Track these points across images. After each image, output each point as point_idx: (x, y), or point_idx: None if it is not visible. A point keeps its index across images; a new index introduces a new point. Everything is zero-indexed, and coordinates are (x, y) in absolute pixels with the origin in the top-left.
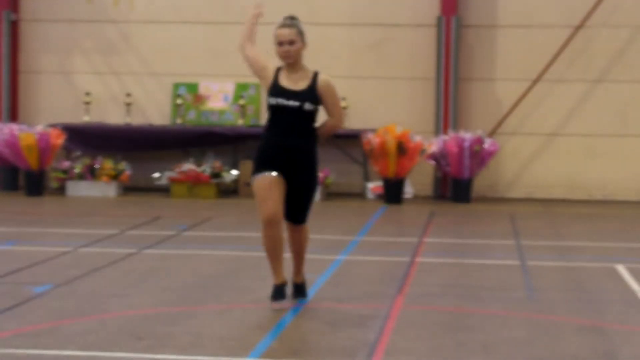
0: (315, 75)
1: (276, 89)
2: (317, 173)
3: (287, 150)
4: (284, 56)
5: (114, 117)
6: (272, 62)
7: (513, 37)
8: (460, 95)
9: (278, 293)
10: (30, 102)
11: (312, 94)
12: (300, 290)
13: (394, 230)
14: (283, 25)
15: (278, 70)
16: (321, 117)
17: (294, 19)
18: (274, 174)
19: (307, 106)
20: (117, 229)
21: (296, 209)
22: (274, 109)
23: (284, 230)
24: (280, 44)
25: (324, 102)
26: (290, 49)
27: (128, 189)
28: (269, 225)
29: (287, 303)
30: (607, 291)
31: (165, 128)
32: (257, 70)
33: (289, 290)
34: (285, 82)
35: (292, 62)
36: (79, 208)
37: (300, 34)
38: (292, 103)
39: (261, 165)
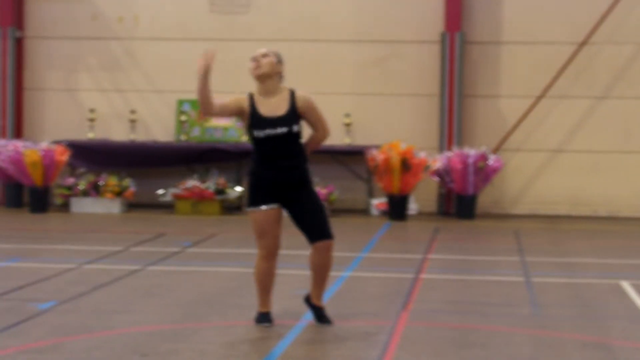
0: (293, 95)
1: (259, 120)
2: (312, 189)
3: (283, 174)
4: (253, 68)
5: (119, 133)
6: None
7: (517, 54)
8: (464, 111)
9: (265, 318)
10: (35, 119)
11: (294, 115)
12: (323, 314)
13: (398, 246)
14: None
15: (251, 98)
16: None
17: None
18: (273, 206)
19: (295, 129)
20: (122, 246)
21: (317, 225)
22: (261, 140)
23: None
24: (252, 59)
25: (307, 119)
26: (261, 60)
27: (132, 206)
28: (266, 259)
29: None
30: (612, 307)
31: (169, 145)
32: (234, 113)
33: (311, 312)
34: (265, 109)
35: (261, 73)
36: (84, 225)
37: (276, 55)
38: (280, 130)
39: (259, 197)
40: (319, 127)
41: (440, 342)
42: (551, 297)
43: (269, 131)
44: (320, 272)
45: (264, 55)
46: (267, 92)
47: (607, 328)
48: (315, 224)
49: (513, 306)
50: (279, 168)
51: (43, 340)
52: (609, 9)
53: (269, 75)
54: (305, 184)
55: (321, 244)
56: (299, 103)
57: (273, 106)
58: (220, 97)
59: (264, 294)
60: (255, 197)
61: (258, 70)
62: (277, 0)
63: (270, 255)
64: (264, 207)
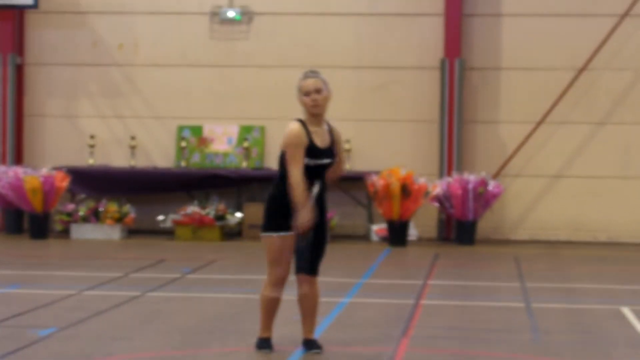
0: (330, 126)
1: (314, 150)
2: (327, 220)
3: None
4: (312, 105)
5: (119, 160)
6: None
7: (517, 80)
8: (464, 137)
9: (265, 344)
10: (35, 145)
11: (333, 147)
12: (314, 344)
13: (398, 272)
14: (306, 77)
15: (304, 126)
16: None
17: (316, 72)
18: (290, 233)
19: (333, 160)
20: (122, 272)
21: (317, 259)
22: (309, 168)
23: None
24: (307, 94)
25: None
26: (318, 98)
27: (132, 232)
28: (277, 286)
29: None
30: (612, 333)
31: (169, 171)
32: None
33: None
34: (317, 140)
35: (321, 112)
36: (84, 251)
37: (326, 83)
38: (325, 161)
39: (278, 223)
40: (342, 159)
41: None
42: (552, 323)
43: (317, 161)
44: (313, 304)
45: (318, 91)
46: (316, 122)
47: (607, 354)
48: (316, 258)
49: (513, 332)
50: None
51: None
52: (607, 35)
53: (322, 112)
54: (324, 208)
55: (310, 278)
56: (336, 136)
57: (321, 137)
58: (295, 160)
59: (267, 320)
60: (275, 222)
61: (318, 110)
62: (276, 26)
63: (280, 283)
64: (282, 234)
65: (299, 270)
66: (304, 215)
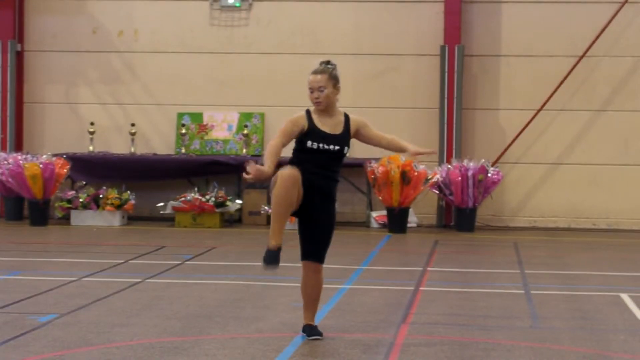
0: (347, 119)
1: (317, 135)
2: (334, 208)
3: (320, 180)
4: (314, 102)
5: (119, 146)
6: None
7: (517, 67)
8: (464, 124)
9: (274, 258)
10: (35, 132)
11: (348, 137)
12: (315, 330)
13: (398, 259)
14: (314, 72)
15: (309, 113)
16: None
17: (328, 64)
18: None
19: (346, 150)
20: (122, 259)
21: (317, 247)
22: (312, 150)
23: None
24: (310, 90)
25: (366, 135)
26: (320, 96)
27: (132, 219)
28: (290, 180)
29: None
30: (612, 320)
31: (169, 157)
32: (295, 136)
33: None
34: (324, 127)
35: (322, 108)
36: (84, 237)
37: (332, 79)
38: (333, 147)
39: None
40: (383, 135)
41: (440, 354)
42: (551, 309)
43: (322, 145)
44: (315, 292)
45: (321, 89)
46: (327, 113)
47: (607, 341)
48: (316, 245)
49: (513, 319)
50: (320, 175)
51: (43, 353)
52: (607, 23)
53: (328, 107)
54: (332, 198)
55: (312, 264)
56: (352, 125)
57: (331, 125)
58: (282, 131)
59: (281, 225)
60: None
61: (320, 107)
62: (276, 13)
63: (292, 178)
64: (291, 169)
65: (305, 256)
66: (257, 168)
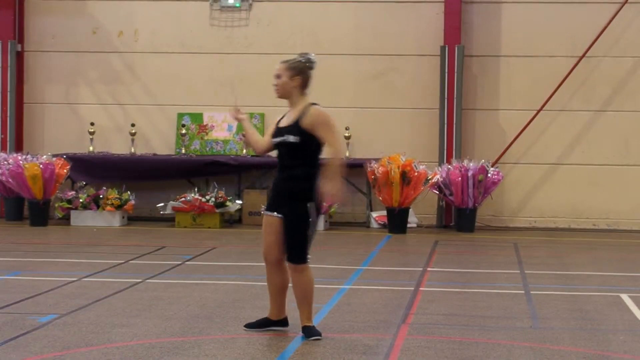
0: (306, 108)
1: (275, 131)
2: (303, 207)
3: (276, 184)
4: (274, 89)
5: (119, 147)
6: None
7: (517, 67)
8: (464, 124)
9: (255, 324)
10: (35, 133)
11: (296, 127)
12: (312, 331)
13: (398, 259)
14: (281, 61)
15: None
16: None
17: (299, 56)
18: (271, 213)
19: (289, 139)
20: (122, 259)
21: (287, 247)
22: (275, 148)
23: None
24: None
25: (316, 134)
26: (277, 83)
27: (132, 219)
28: (265, 262)
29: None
30: (612, 320)
31: (169, 158)
32: (269, 131)
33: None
34: (284, 121)
35: (279, 95)
36: (84, 238)
37: (290, 69)
38: (277, 139)
39: (267, 201)
40: (327, 142)
41: (440, 355)
42: (551, 309)
43: (275, 139)
44: (294, 292)
45: (278, 77)
46: (291, 107)
47: (606, 341)
48: (287, 243)
49: (513, 319)
50: (277, 177)
51: (43, 353)
52: (607, 23)
53: (285, 96)
54: (293, 198)
55: (288, 264)
56: (306, 117)
57: (289, 117)
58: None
59: (270, 298)
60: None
61: (277, 94)
62: (276, 13)
63: (265, 260)
64: (263, 212)
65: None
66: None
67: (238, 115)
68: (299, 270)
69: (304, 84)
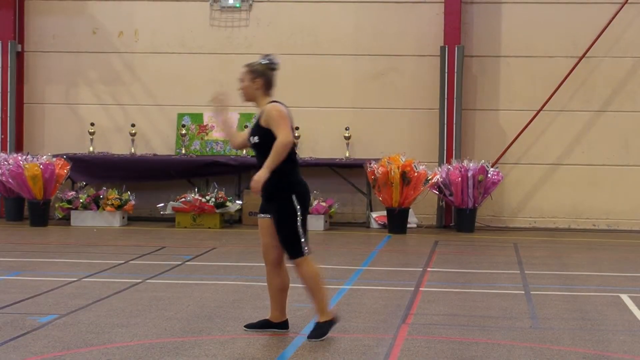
0: (264, 107)
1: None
2: (284, 204)
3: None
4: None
5: (119, 147)
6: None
7: (516, 67)
8: (464, 124)
9: (255, 325)
10: (35, 133)
11: (257, 126)
12: (313, 331)
13: (398, 259)
14: (243, 65)
15: None
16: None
17: (261, 58)
18: (263, 215)
19: (255, 139)
20: (122, 259)
21: (280, 241)
22: None
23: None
24: None
25: (272, 130)
26: (241, 87)
27: (132, 219)
28: (264, 263)
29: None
30: (612, 320)
31: (169, 158)
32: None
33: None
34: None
35: (245, 99)
36: (84, 238)
37: (250, 72)
38: (249, 142)
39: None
40: (277, 134)
41: (440, 355)
42: (551, 310)
43: (249, 142)
44: (306, 288)
45: (241, 81)
46: (258, 107)
47: (606, 341)
48: (280, 241)
49: (513, 319)
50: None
51: (43, 354)
52: (607, 23)
53: (250, 98)
54: (274, 197)
55: (289, 261)
56: (263, 117)
57: (255, 119)
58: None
59: (270, 301)
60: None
61: (242, 98)
62: (276, 14)
63: (265, 261)
64: (258, 214)
65: None
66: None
67: (219, 97)
68: (298, 264)
69: (267, 86)
